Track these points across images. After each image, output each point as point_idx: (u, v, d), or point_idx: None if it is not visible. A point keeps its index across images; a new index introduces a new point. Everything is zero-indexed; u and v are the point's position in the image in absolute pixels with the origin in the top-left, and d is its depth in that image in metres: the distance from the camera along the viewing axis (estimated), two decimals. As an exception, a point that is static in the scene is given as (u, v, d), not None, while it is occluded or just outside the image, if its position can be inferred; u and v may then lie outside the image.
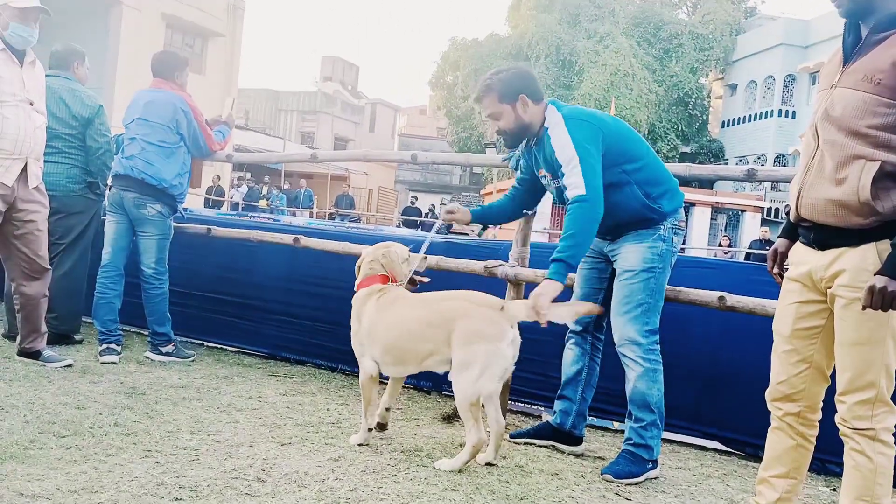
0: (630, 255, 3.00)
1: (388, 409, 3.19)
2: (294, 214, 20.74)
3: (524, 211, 3.45)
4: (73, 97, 4.41)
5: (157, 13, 20.53)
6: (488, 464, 2.90)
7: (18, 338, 4.00)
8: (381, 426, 3.18)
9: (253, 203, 20.96)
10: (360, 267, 3.21)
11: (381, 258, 3.15)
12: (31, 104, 3.78)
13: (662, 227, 3.00)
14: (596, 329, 3.24)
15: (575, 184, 2.83)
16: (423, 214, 23.35)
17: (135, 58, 17.81)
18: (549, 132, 2.96)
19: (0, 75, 3.65)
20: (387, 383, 3.21)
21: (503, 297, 3.65)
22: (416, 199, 26.94)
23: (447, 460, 2.81)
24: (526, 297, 3.67)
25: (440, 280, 3.85)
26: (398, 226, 20.25)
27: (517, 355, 2.84)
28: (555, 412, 3.31)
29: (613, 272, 3.11)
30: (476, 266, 3.75)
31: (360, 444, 3.02)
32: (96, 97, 4.57)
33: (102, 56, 18.62)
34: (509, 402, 3.79)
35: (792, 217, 2.34)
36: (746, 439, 3.50)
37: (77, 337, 4.59)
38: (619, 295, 3.02)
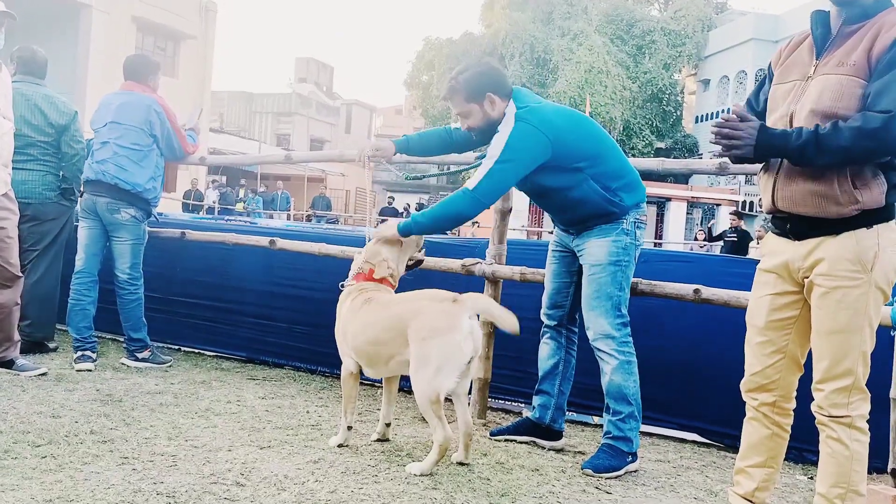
0: (595, 249, 3.02)
1: (388, 425, 3.15)
2: (271, 217, 20.62)
3: (450, 151, 3.46)
4: (48, 104, 4.36)
5: (128, 16, 20.32)
6: (460, 463, 2.87)
7: (-9, 347, 3.92)
8: (381, 441, 3.13)
9: (230, 206, 20.81)
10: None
11: (366, 258, 3.11)
12: (-2, 110, 3.72)
13: (625, 221, 3.01)
14: (569, 322, 3.26)
15: (475, 178, 2.88)
16: (399, 214, 23.30)
17: (106, 61, 17.64)
18: (499, 128, 2.95)
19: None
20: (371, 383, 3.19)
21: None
22: (393, 199, 26.89)
23: (417, 464, 2.75)
24: (505, 294, 3.68)
25: (417, 278, 3.85)
26: (376, 226, 20.17)
27: (479, 347, 2.80)
28: (533, 407, 3.32)
29: (580, 267, 3.12)
30: (453, 264, 3.75)
31: (339, 445, 3.00)
32: (71, 104, 4.52)
33: (73, 60, 18.43)
34: (489, 398, 3.79)
35: (766, 209, 2.35)
36: (725, 430, 3.53)
37: (51, 345, 4.53)
38: (589, 290, 3.03)
